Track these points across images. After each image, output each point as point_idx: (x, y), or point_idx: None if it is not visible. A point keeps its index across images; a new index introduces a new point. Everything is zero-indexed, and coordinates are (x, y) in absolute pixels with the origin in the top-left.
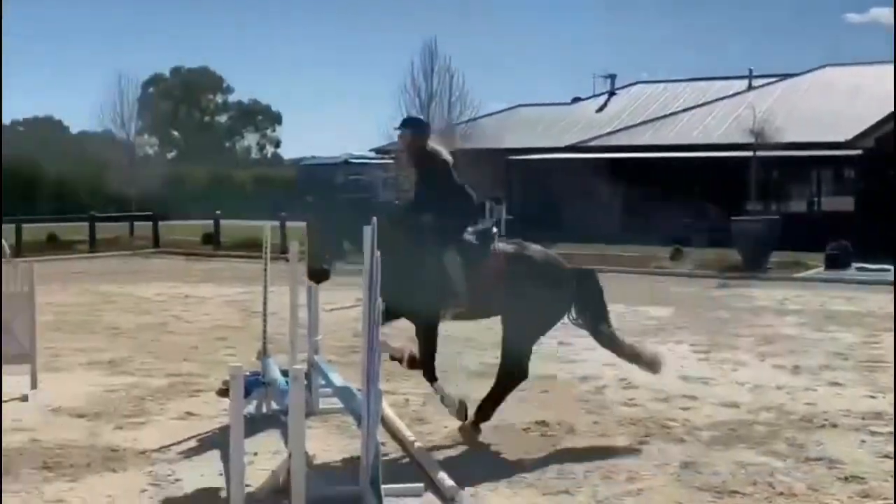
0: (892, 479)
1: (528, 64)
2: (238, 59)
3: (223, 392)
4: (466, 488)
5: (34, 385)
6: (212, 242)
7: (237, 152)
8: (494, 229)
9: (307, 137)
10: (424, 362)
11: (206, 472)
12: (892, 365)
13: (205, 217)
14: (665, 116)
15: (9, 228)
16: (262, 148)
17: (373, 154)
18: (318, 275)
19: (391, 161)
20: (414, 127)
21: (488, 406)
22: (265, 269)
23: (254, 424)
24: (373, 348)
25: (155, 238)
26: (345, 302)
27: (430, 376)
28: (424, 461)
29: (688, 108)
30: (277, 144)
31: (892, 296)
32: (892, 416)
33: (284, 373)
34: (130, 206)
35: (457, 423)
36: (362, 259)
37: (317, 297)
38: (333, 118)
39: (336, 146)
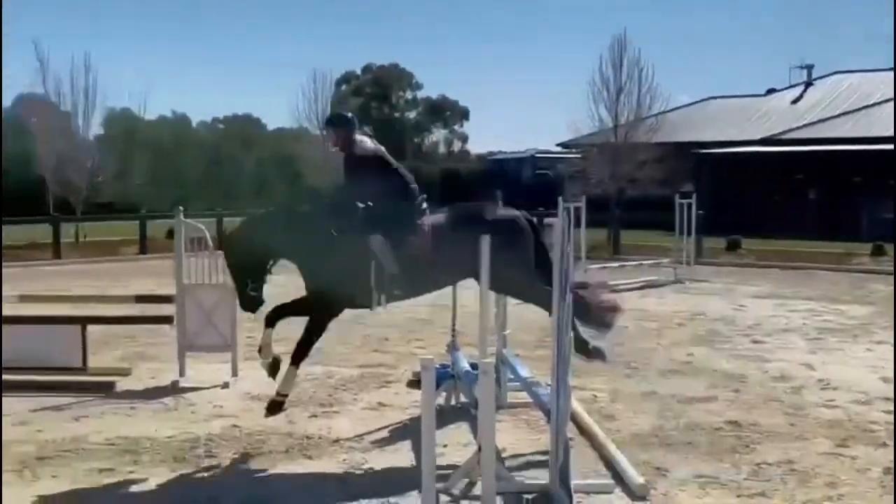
0: None
1: (721, 55)
2: (427, 56)
3: (413, 383)
4: (657, 487)
5: (235, 373)
6: None
7: (425, 148)
8: (424, 204)
9: (494, 133)
10: (302, 347)
11: (397, 461)
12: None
13: None
14: (865, 107)
15: (210, 222)
16: (449, 143)
17: (559, 149)
18: (251, 304)
19: (578, 156)
20: (339, 123)
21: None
22: None
23: (443, 416)
24: (562, 344)
25: None
26: None
27: (297, 361)
28: (614, 458)
29: (889, 98)
30: (465, 140)
31: None
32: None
33: (473, 366)
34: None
35: (645, 422)
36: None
37: None
38: (520, 113)
39: (523, 141)
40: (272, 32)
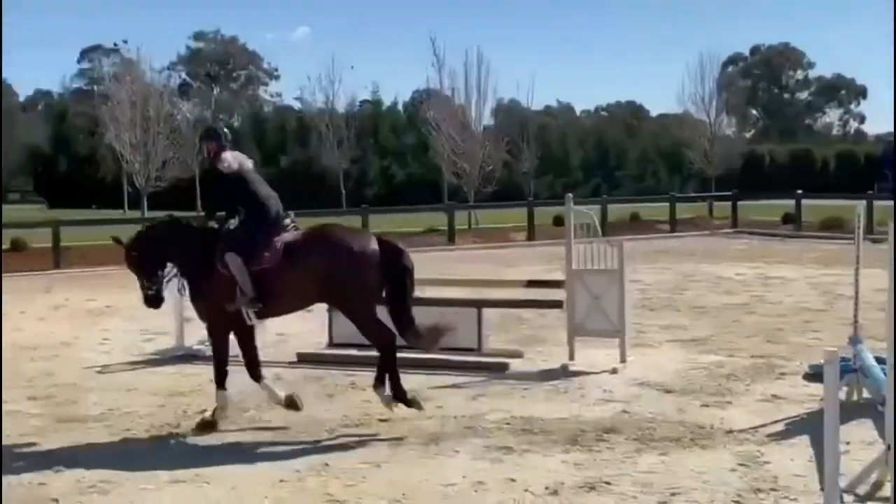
0: None
1: None
2: (821, 33)
3: (811, 376)
4: None
5: (623, 359)
6: (792, 222)
7: (817, 129)
8: (288, 220)
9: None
10: (219, 374)
11: (795, 457)
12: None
13: (785, 196)
14: None
15: (595, 208)
16: (844, 124)
17: None
18: (151, 301)
19: None
20: (208, 137)
21: (396, 385)
22: (857, 250)
23: (844, 412)
24: None
25: (734, 218)
26: None
27: (221, 384)
28: None
29: None
30: (862, 120)
31: None
32: None
33: (878, 360)
34: (710, 186)
35: None
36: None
37: None
38: None
39: None
40: (657, 15)
